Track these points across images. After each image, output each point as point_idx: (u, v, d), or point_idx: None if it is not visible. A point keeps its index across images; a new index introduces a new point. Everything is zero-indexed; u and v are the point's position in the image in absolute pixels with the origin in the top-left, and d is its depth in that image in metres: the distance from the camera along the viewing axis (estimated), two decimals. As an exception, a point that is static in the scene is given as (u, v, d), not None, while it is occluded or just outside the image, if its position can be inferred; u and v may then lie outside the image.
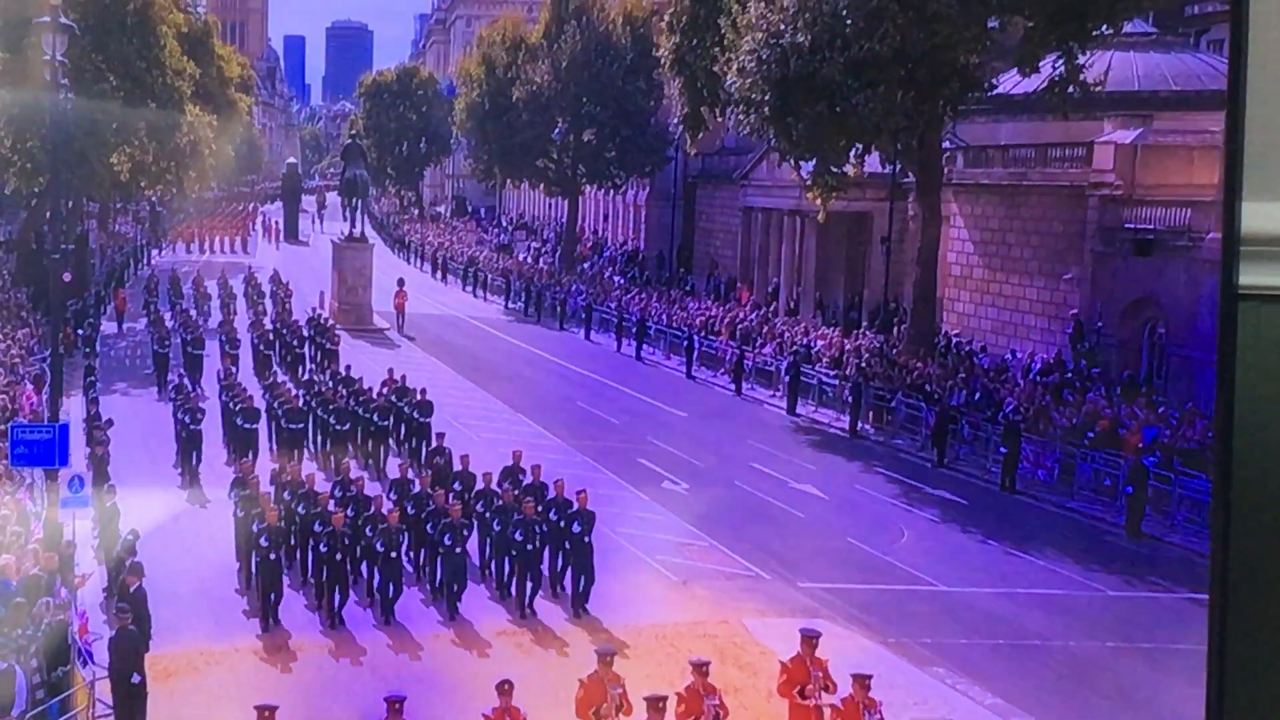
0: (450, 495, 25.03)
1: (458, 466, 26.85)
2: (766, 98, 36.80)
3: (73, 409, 32.28)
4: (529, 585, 23.72)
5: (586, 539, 23.78)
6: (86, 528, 24.29)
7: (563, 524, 23.99)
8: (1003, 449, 30.79)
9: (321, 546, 23.48)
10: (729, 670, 20.92)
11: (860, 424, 35.72)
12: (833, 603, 23.86)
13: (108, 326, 46.72)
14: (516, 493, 24.80)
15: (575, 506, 23.92)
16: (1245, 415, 7.99)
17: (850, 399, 36.11)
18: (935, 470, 31.99)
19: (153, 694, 18.97)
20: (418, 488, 25.65)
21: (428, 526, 24.30)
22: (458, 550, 23.66)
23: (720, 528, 27.56)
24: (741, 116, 39.05)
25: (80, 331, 41.87)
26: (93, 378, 35.10)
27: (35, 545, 21.70)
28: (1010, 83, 38.15)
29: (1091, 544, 26.73)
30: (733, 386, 40.80)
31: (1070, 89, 34.57)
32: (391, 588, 23.26)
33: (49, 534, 22.61)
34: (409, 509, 24.76)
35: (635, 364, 45.20)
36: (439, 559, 24.01)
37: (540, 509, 24.07)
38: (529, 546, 23.63)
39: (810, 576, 25.14)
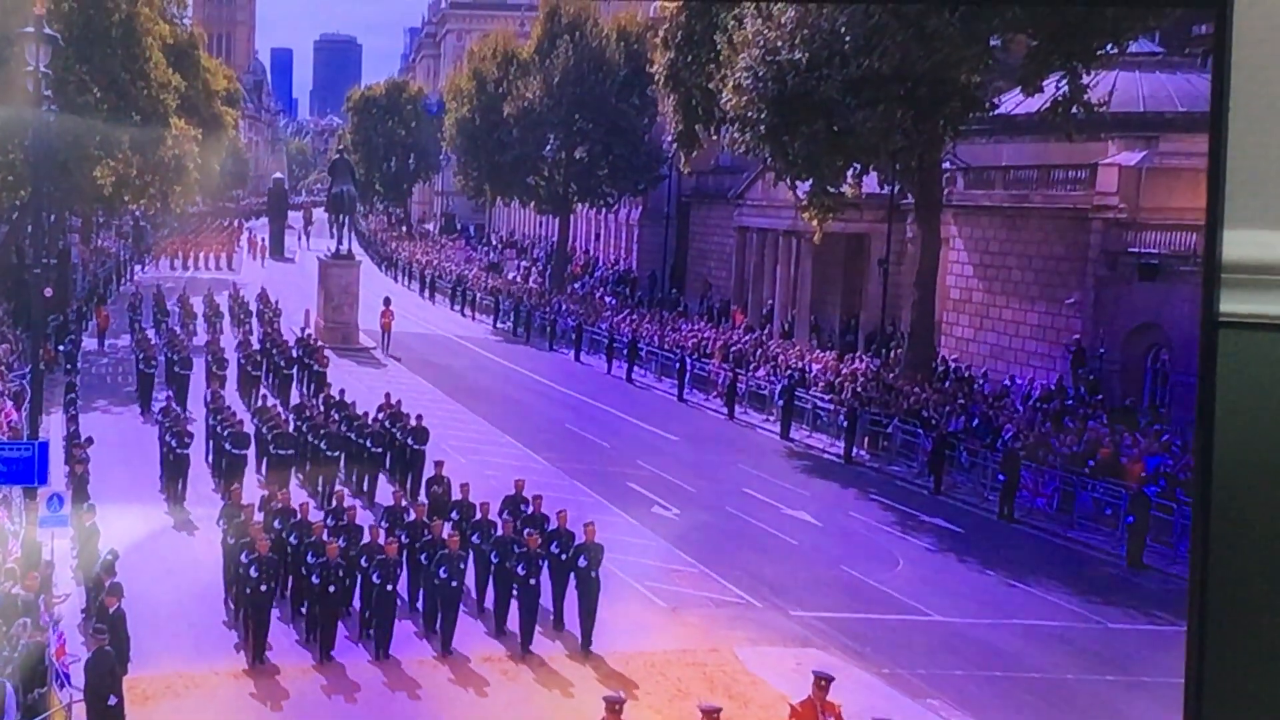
0: (448, 526, 24.63)
1: (456, 495, 26.42)
2: (762, 115, 36.89)
3: (52, 426, 32.24)
4: (528, 621, 23.35)
5: (594, 574, 23.39)
6: (64, 547, 24.26)
7: (565, 557, 23.57)
8: (1001, 477, 30.80)
9: (314, 578, 23.10)
10: (719, 700, 20.92)
11: (855, 450, 35.73)
12: (825, 632, 23.85)
13: (88, 343, 46.63)
14: (517, 524, 24.38)
15: (581, 539, 23.49)
16: (1225, 441, 8.05)
17: (845, 424, 36.11)
18: (932, 498, 31.98)
19: (130, 717, 18.91)
20: (412, 517, 25.25)
21: (422, 557, 23.92)
22: (454, 584, 23.26)
23: (711, 554, 27.52)
24: (737, 134, 39.13)
25: (61, 348, 41.79)
26: (73, 395, 35.05)
27: (12, 565, 21.68)
28: (1012, 103, 38.23)
29: (1091, 575, 26.73)
30: (725, 410, 40.79)
31: (1074, 109, 34.64)
32: (386, 622, 22.93)
33: (27, 553, 22.60)
34: (402, 539, 24.39)
35: (626, 386, 45.18)
36: (433, 592, 23.61)
37: (542, 541, 23.63)
38: (531, 581, 23.22)
39: (803, 605, 25.11)
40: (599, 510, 28.96)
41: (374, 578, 23.05)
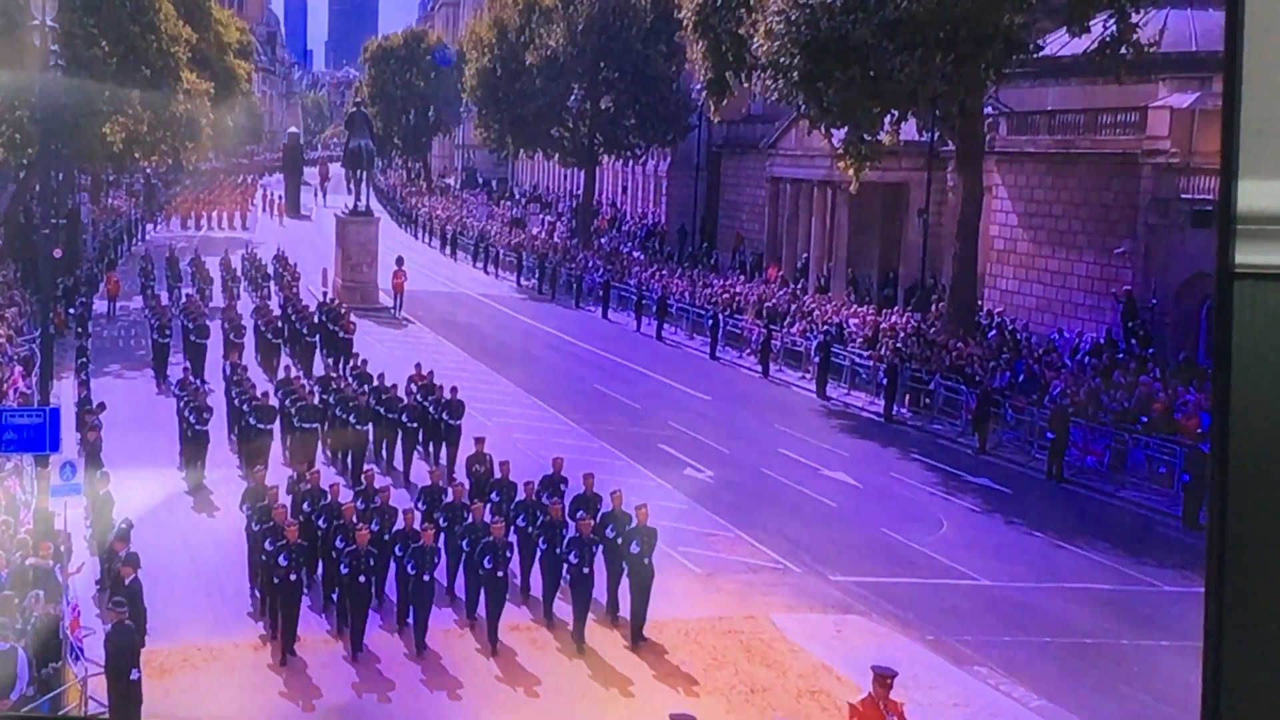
0: (489, 508, 23.58)
1: (496, 475, 25.41)
2: (795, 61, 36.58)
3: (63, 392, 32.28)
4: (580, 612, 22.39)
5: (646, 560, 22.52)
6: (77, 516, 24.25)
7: (620, 541, 22.69)
8: (1049, 434, 30.53)
9: (342, 567, 22.15)
10: (756, 669, 20.87)
11: (896, 408, 35.54)
12: (866, 597, 23.73)
13: (99, 306, 46.72)
14: (566, 506, 23.34)
15: (635, 522, 22.64)
16: (1242, 394, 8.00)
17: (885, 381, 35.93)
18: (976, 457, 31.79)
19: (148, 691, 18.91)
20: (450, 498, 24.34)
21: (463, 543, 22.95)
22: (499, 574, 22.25)
23: (746, 517, 27.44)
24: (769, 81, 38.81)
25: (71, 310, 41.88)
26: (85, 359, 35.03)
27: (25, 535, 21.68)
28: (1058, 44, 37.81)
29: (1145, 536, 26.52)
30: (759, 368, 40.65)
31: (1123, 50, 34.22)
32: (424, 613, 22.03)
33: (39, 523, 22.58)
34: (440, 522, 23.41)
35: (655, 344, 45.10)
36: (477, 582, 22.62)
37: (596, 524, 22.66)
38: (584, 570, 22.28)
39: (842, 569, 24.99)
40: (629, 473, 28.92)
41: (409, 568, 22.00)
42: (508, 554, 22.70)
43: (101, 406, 29.12)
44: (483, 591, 22.58)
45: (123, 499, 23.96)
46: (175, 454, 29.72)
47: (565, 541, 22.60)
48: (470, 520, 23.17)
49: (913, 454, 32.37)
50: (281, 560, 21.85)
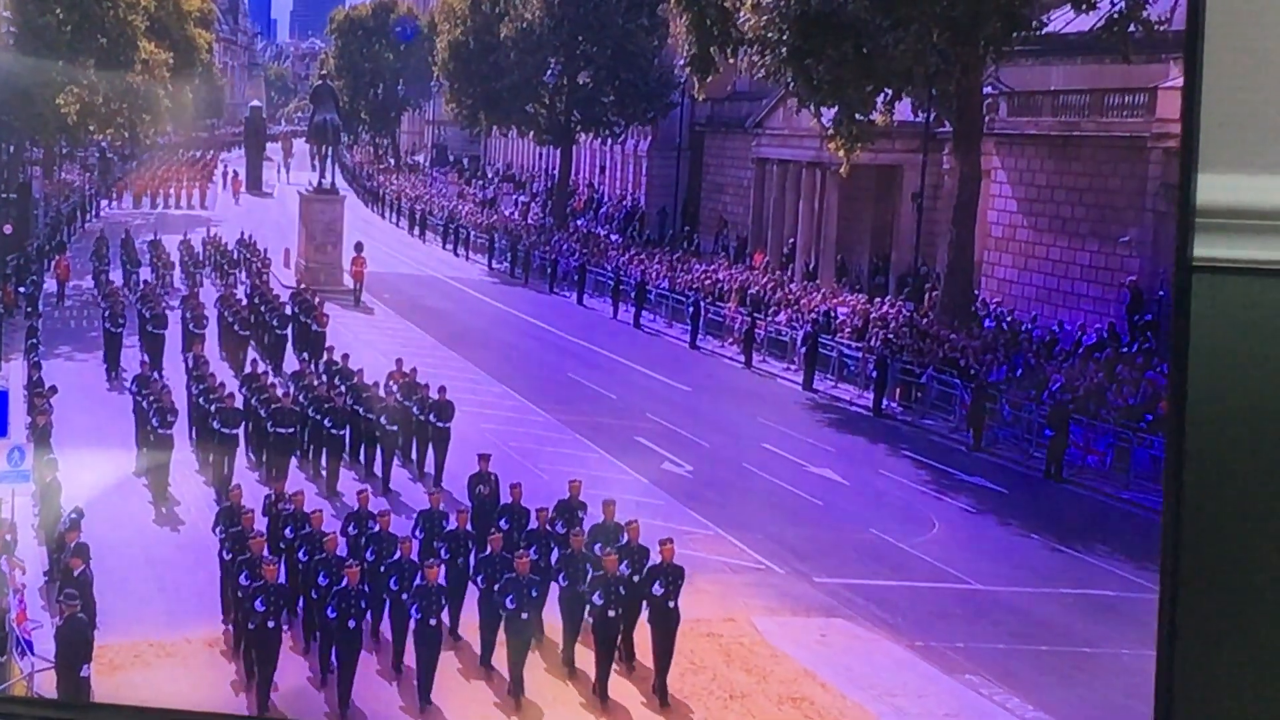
0: (503, 537, 22.56)
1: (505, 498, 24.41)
2: (784, 36, 36.56)
3: (12, 374, 32.07)
4: (604, 661, 21.73)
5: (671, 604, 21.94)
6: (24, 504, 24.13)
7: (636, 579, 22.06)
8: (1048, 431, 30.50)
9: (329, 610, 20.93)
10: (735, 674, 20.87)
11: (886, 402, 35.48)
12: (853, 600, 23.71)
13: (50, 286, 46.44)
14: (586, 537, 22.55)
15: (659, 560, 22.09)
16: (1199, 389, 8.11)
17: (875, 374, 35.86)
18: (970, 454, 31.72)
19: (97, 687, 18.83)
20: (452, 524, 23.38)
21: (478, 580, 22.03)
22: (524, 616, 21.34)
23: (727, 515, 27.37)
24: (756, 58, 38.79)
25: (22, 289, 41.59)
26: (35, 340, 34.79)
27: (-33, 524, 21.55)
28: (1062, 20, 37.79)
29: (1148, 539, 26.31)
30: (742, 358, 40.57)
31: (1131, 27, 34.22)
32: (431, 663, 21.03)
33: (-15, 511, 22.46)
34: (441, 554, 22.37)
35: (633, 332, 44.97)
36: (496, 623, 21.70)
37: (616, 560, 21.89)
38: (609, 613, 21.47)
39: (828, 571, 24.97)
40: (604, 466, 28.82)
41: (413, 611, 20.71)
42: (533, 592, 21.79)
43: (53, 390, 28.98)
44: (508, 635, 21.64)
45: (73, 484, 23.84)
46: (128, 440, 29.45)
47: (590, 580, 21.84)
48: (490, 552, 22.19)
49: (903, 450, 32.33)
50: (258, 604, 20.77)
